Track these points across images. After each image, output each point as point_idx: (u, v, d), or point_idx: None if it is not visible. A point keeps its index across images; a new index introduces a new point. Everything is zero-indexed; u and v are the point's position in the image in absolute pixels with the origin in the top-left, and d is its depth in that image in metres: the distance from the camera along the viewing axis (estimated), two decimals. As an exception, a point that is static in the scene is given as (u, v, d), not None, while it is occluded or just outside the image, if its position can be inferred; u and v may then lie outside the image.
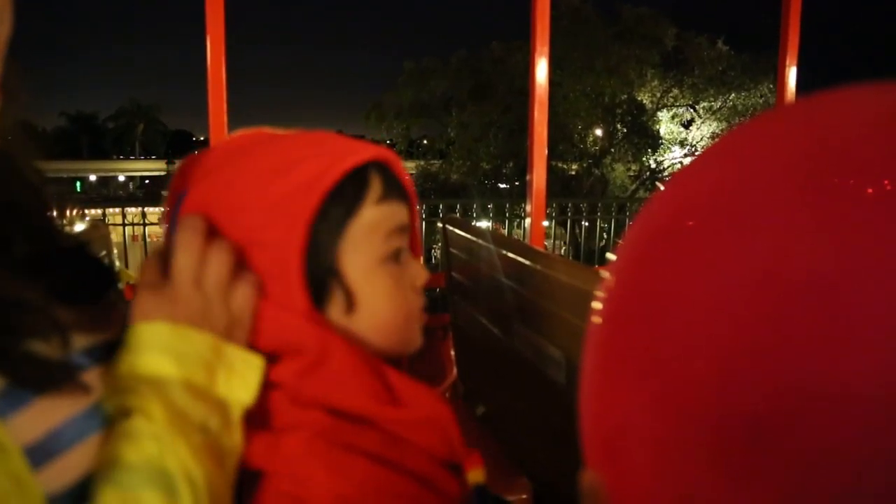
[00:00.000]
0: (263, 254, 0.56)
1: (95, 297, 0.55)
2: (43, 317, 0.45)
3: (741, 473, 0.35)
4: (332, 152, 0.58)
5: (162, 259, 0.55)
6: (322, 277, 0.57)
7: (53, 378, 0.45)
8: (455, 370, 1.52)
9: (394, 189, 0.60)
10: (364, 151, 0.58)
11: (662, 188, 0.43)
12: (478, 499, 0.59)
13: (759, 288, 0.34)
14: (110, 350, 0.52)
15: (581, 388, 0.43)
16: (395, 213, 0.60)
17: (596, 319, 0.42)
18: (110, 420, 0.47)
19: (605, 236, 7.28)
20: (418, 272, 0.63)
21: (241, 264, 0.55)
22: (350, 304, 0.58)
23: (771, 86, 13.92)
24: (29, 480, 0.42)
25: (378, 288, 0.59)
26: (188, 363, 0.50)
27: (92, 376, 0.49)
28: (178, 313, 0.51)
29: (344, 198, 0.57)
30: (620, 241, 0.43)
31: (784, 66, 2.67)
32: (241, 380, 0.52)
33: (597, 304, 0.42)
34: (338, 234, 0.57)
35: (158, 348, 0.50)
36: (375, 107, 16.97)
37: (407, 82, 16.08)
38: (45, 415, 0.44)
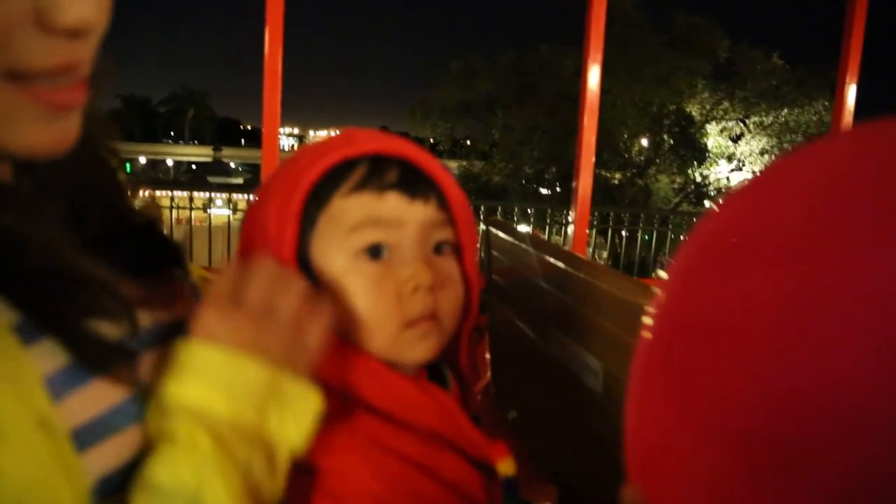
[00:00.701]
0: (270, 250, 0.56)
1: (162, 273, 0.57)
2: (111, 296, 0.46)
3: (780, 493, 0.35)
4: (330, 146, 0.57)
5: (238, 274, 0.53)
6: (310, 270, 0.57)
7: (115, 360, 0.46)
8: (489, 373, 1.52)
9: (381, 182, 0.56)
10: (363, 144, 0.57)
11: (717, 206, 0.42)
12: (507, 491, 0.59)
13: (809, 310, 0.34)
14: (176, 329, 0.53)
15: (627, 402, 0.43)
16: (366, 204, 0.56)
17: (646, 334, 0.42)
18: (152, 440, 0.47)
19: (645, 248, 7.19)
20: (411, 274, 0.57)
21: (318, 299, 0.54)
22: (323, 296, 0.56)
23: (826, 103, 13.56)
24: (76, 466, 0.42)
25: (346, 284, 0.56)
26: (239, 399, 0.47)
27: (153, 356, 0.50)
28: (241, 338, 0.49)
29: (320, 190, 0.56)
30: (673, 258, 0.43)
31: (843, 84, 2.60)
32: (295, 418, 0.49)
33: (647, 319, 0.42)
34: (310, 225, 0.56)
35: (210, 379, 0.47)
36: (421, 104, 17.03)
37: (453, 81, 16.10)
38: (101, 395, 0.45)
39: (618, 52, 13.22)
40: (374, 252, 0.56)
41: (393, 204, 0.57)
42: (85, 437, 0.43)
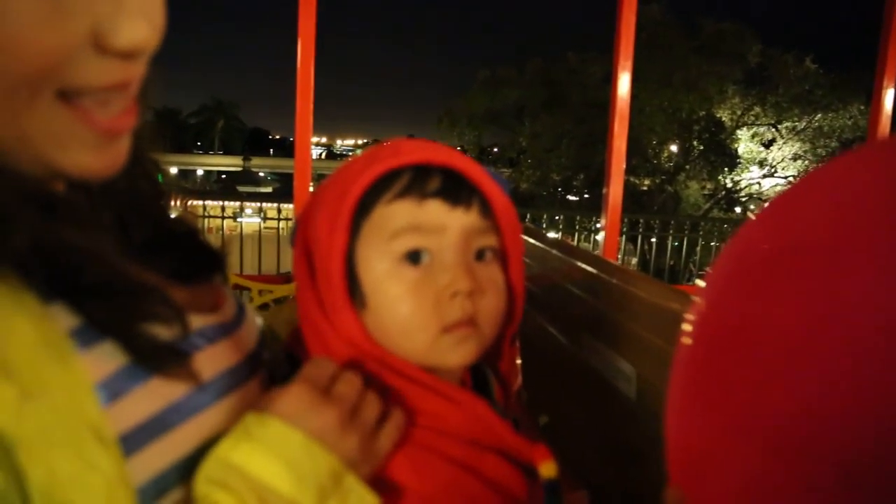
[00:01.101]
0: (320, 256, 0.58)
1: (205, 278, 0.59)
2: (162, 301, 0.48)
3: (820, 494, 0.34)
4: (377, 156, 0.59)
5: (331, 368, 0.55)
6: (354, 277, 0.58)
7: (170, 359, 0.47)
8: (520, 379, 1.52)
9: (423, 190, 0.57)
10: (409, 155, 0.58)
11: (755, 216, 0.42)
12: (548, 494, 0.59)
13: (854, 325, 0.34)
14: (223, 331, 0.55)
15: (668, 405, 0.43)
16: (407, 211, 0.57)
17: (686, 340, 0.42)
18: (197, 498, 0.47)
19: (675, 255, 7.12)
20: (451, 280, 0.57)
21: (391, 406, 0.56)
22: (363, 301, 0.58)
23: (862, 107, 13.31)
24: (123, 470, 0.43)
25: (386, 289, 0.58)
26: (304, 484, 0.48)
27: (206, 356, 0.52)
28: (323, 429, 0.51)
29: (366, 199, 0.57)
30: (713, 264, 0.43)
31: (881, 88, 2.55)
32: None
33: (687, 326, 0.43)
34: (355, 233, 0.58)
35: (282, 456, 0.48)
36: (448, 113, 17.09)
37: (480, 90, 16.13)
38: (158, 393, 0.47)
39: (646, 58, 13.13)
40: (414, 258, 0.57)
41: (434, 211, 0.58)
42: (143, 434, 0.45)
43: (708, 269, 0.44)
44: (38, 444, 0.39)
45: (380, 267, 0.57)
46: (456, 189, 0.58)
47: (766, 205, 0.43)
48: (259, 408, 0.51)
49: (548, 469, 0.59)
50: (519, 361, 1.69)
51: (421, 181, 0.58)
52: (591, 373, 1.04)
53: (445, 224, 0.58)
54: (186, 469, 0.48)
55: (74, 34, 0.39)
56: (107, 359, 0.44)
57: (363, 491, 0.51)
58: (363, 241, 0.58)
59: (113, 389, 0.44)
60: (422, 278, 0.57)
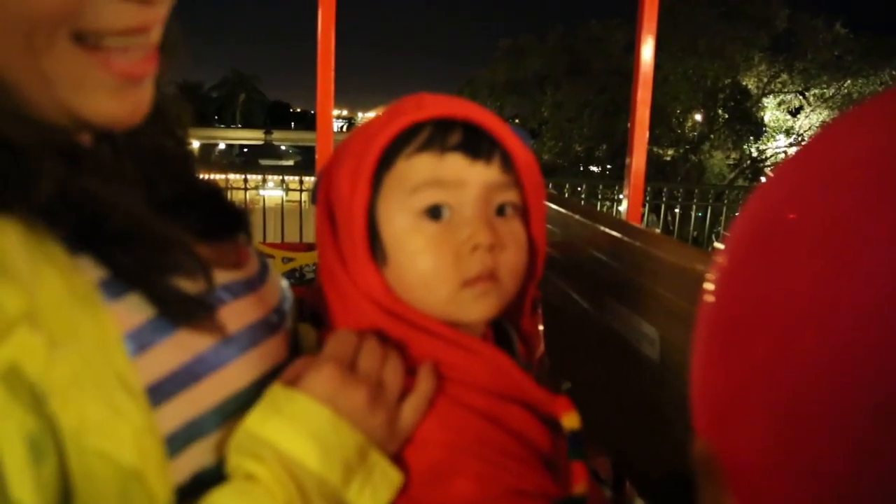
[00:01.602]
0: (342, 212, 0.59)
1: (228, 237, 0.60)
2: (187, 254, 0.49)
3: (867, 448, 0.34)
4: (400, 110, 0.59)
5: (353, 341, 0.56)
6: (375, 231, 0.59)
7: (196, 311, 0.49)
8: (542, 345, 1.53)
9: (443, 143, 0.57)
10: (431, 109, 0.58)
11: (770, 177, 0.42)
12: (572, 445, 0.60)
13: (877, 276, 0.33)
14: (247, 287, 0.56)
15: (693, 359, 0.43)
16: (427, 165, 0.57)
17: (709, 297, 0.43)
18: (229, 475, 0.49)
19: (699, 224, 7.05)
20: (471, 234, 0.57)
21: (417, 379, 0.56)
22: (384, 258, 0.59)
23: (893, 72, 12.96)
24: (151, 424, 0.44)
25: (407, 243, 0.58)
26: (332, 459, 0.49)
27: (231, 310, 0.53)
28: (347, 405, 0.52)
29: (388, 153, 0.58)
30: (734, 222, 0.43)
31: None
32: (373, 492, 0.51)
33: (709, 284, 0.43)
34: (377, 187, 0.58)
35: (311, 433, 0.49)
36: (469, 83, 16.93)
37: (501, 59, 15.94)
38: (185, 345, 0.48)
39: (670, 26, 12.86)
40: (435, 213, 0.58)
41: (454, 165, 0.58)
42: (169, 385, 0.47)
43: (729, 228, 0.44)
44: (69, 391, 0.40)
45: (400, 221, 0.58)
46: (477, 143, 0.58)
47: (781, 164, 0.42)
48: (287, 381, 0.52)
49: (570, 420, 0.60)
50: (541, 328, 1.70)
51: (442, 135, 0.58)
52: (614, 337, 1.05)
53: (465, 178, 0.58)
54: (212, 420, 0.49)
55: None
56: (134, 310, 0.46)
57: (387, 467, 0.52)
58: (384, 195, 0.58)
59: (140, 341, 0.45)
60: (442, 232, 0.58)
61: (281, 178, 5.78)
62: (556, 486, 0.58)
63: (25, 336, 0.38)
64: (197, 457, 0.48)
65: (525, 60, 15.62)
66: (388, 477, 0.52)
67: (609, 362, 1.14)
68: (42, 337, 0.39)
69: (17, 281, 0.39)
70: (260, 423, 0.49)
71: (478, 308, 0.59)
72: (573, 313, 1.29)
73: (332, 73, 2.35)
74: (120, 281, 0.45)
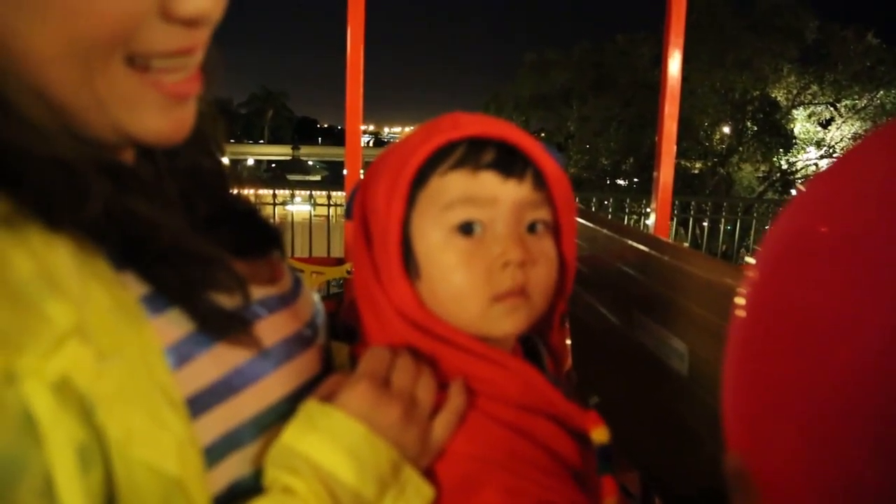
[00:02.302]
0: (377, 226, 0.60)
1: (264, 254, 0.62)
2: (225, 270, 0.51)
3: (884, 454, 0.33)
4: (436, 129, 0.60)
5: (387, 357, 0.58)
6: (406, 246, 0.60)
7: (234, 326, 0.50)
8: (570, 359, 1.53)
9: (477, 161, 0.59)
10: (467, 127, 0.59)
11: (801, 190, 0.42)
12: (601, 459, 0.60)
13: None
14: (282, 302, 0.58)
15: (724, 375, 0.43)
16: (461, 182, 0.59)
17: (740, 313, 0.43)
18: (267, 488, 0.50)
19: (728, 238, 6.95)
20: (503, 250, 0.58)
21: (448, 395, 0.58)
22: (417, 272, 0.60)
23: (926, 83, 12.72)
24: (190, 431, 0.46)
25: (437, 257, 0.59)
26: (367, 474, 0.50)
27: (266, 325, 0.54)
28: (381, 421, 0.53)
29: (423, 170, 0.59)
30: (766, 234, 0.43)
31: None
32: None
33: (740, 299, 0.43)
34: (412, 203, 0.60)
35: (347, 448, 0.50)
36: (495, 98, 16.98)
37: (527, 74, 15.97)
38: (223, 358, 0.50)
39: (697, 38, 12.78)
40: (467, 229, 0.59)
41: (487, 182, 0.59)
42: (208, 397, 0.48)
43: (760, 242, 0.44)
44: (115, 403, 0.41)
45: (434, 237, 0.59)
46: (510, 161, 0.59)
47: (813, 178, 0.42)
48: (322, 397, 0.54)
49: (599, 434, 0.60)
50: (569, 342, 1.70)
51: (476, 153, 0.59)
52: (642, 352, 1.04)
53: (498, 196, 0.59)
54: (250, 432, 0.50)
55: (143, 1, 0.42)
56: (175, 325, 0.47)
57: (420, 482, 0.53)
58: (419, 211, 0.60)
59: (181, 354, 0.47)
60: (474, 249, 0.59)
61: (309, 193, 5.84)
62: (586, 500, 0.58)
63: (76, 349, 0.39)
64: (234, 467, 0.49)
65: (551, 75, 15.64)
66: (420, 492, 0.53)
67: (637, 377, 1.14)
68: (91, 350, 0.40)
69: (68, 296, 0.40)
70: (297, 437, 0.50)
71: (508, 323, 0.60)
72: (601, 328, 1.28)
73: (361, 89, 2.38)
74: (161, 296, 0.47)
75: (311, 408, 0.53)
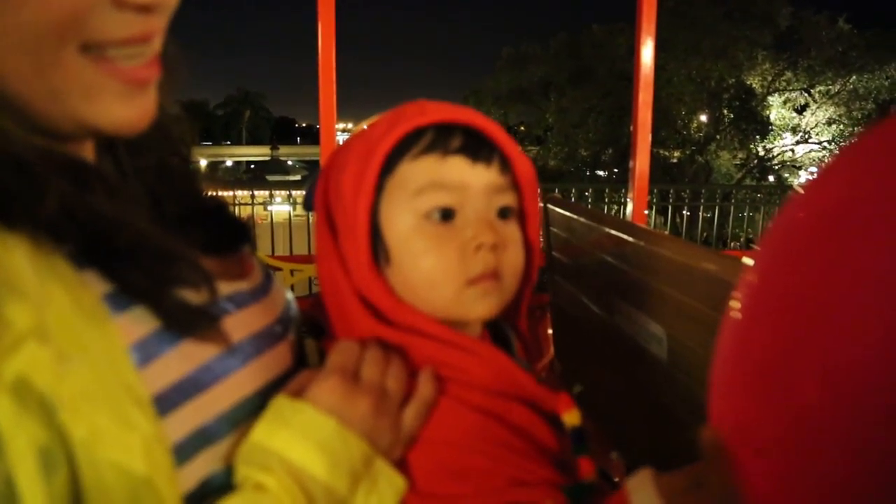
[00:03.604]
0: (344, 216, 0.59)
1: (233, 250, 0.61)
2: (192, 267, 0.50)
3: (878, 450, 0.34)
4: (403, 115, 0.60)
5: (356, 350, 0.57)
6: (374, 234, 0.60)
7: (200, 322, 0.49)
8: (552, 349, 1.53)
9: (445, 147, 0.59)
10: (433, 114, 0.59)
11: (805, 186, 0.42)
12: (575, 441, 0.60)
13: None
14: (251, 297, 0.57)
15: (717, 348, 0.43)
16: (430, 167, 0.59)
17: (734, 314, 0.42)
18: (238, 485, 0.49)
19: (707, 226, 7.00)
20: (475, 234, 0.58)
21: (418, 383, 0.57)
22: (387, 258, 0.60)
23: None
24: (158, 429, 0.45)
25: (408, 243, 0.59)
26: (339, 468, 0.50)
27: (235, 320, 0.54)
28: (351, 414, 0.53)
29: (389, 158, 0.59)
30: (763, 235, 0.43)
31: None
32: (379, 499, 0.51)
33: (735, 301, 0.43)
34: (380, 189, 0.59)
35: (318, 443, 0.50)
36: (473, 92, 16.99)
37: (505, 68, 16.00)
38: (190, 355, 0.49)
39: (673, 27, 12.87)
40: (441, 214, 0.59)
41: (456, 167, 0.59)
42: (176, 395, 0.47)
43: (758, 241, 0.44)
44: (79, 403, 0.40)
45: (404, 223, 0.59)
46: (477, 147, 0.60)
47: (817, 173, 0.42)
48: (292, 392, 0.53)
49: (571, 417, 0.60)
50: (550, 332, 1.70)
51: (444, 139, 0.59)
52: (622, 338, 1.05)
53: (467, 180, 0.59)
54: (220, 429, 0.50)
55: None
56: (139, 322, 0.46)
57: (392, 474, 0.53)
58: (388, 198, 0.59)
59: (146, 352, 0.46)
60: (446, 233, 0.59)
61: (288, 192, 5.81)
62: (561, 479, 0.58)
63: (34, 350, 0.39)
64: (205, 464, 0.49)
65: (529, 68, 15.68)
66: (392, 483, 0.53)
67: (618, 363, 1.14)
68: (51, 351, 0.40)
69: (25, 297, 0.39)
70: (267, 434, 0.50)
71: (481, 306, 0.60)
72: (582, 316, 1.29)
73: (334, 87, 2.36)
74: (124, 294, 0.46)
75: (280, 404, 0.52)
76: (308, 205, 0.65)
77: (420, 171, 0.59)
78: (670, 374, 0.89)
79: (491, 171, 0.60)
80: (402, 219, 0.59)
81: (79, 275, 0.44)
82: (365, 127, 0.63)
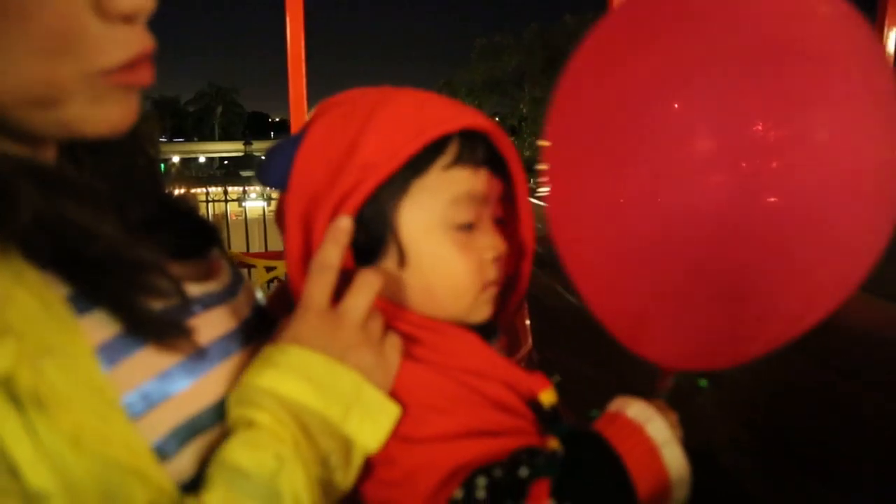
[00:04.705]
0: (329, 201, 0.57)
1: (202, 253, 0.59)
2: (157, 273, 0.48)
3: (683, 297, 0.54)
4: (424, 114, 0.59)
5: (329, 285, 0.55)
6: (381, 231, 0.59)
7: (165, 329, 0.48)
8: (530, 340, 1.53)
9: (475, 158, 0.60)
10: (454, 121, 0.59)
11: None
12: (551, 422, 0.60)
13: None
14: (219, 299, 0.55)
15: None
16: (466, 180, 0.59)
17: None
18: (231, 428, 0.49)
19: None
20: (490, 244, 0.61)
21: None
22: (402, 259, 0.60)
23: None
24: (130, 429, 0.44)
25: (435, 249, 0.59)
26: (330, 398, 0.51)
27: (202, 322, 0.52)
28: (336, 347, 0.53)
29: (417, 160, 0.58)
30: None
31: (882, 27, 2.50)
32: (373, 424, 0.52)
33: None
34: (402, 190, 0.58)
35: (306, 377, 0.50)
36: (447, 84, 16.98)
37: (479, 59, 16.01)
38: (154, 361, 0.47)
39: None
40: (468, 226, 0.60)
41: (484, 180, 0.61)
42: (144, 399, 0.46)
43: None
44: (58, 399, 0.40)
45: (433, 228, 0.59)
46: (496, 158, 0.62)
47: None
48: (275, 339, 0.53)
49: (548, 396, 0.61)
50: (528, 322, 1.70)
51: (470, 148, 0.60)
52: (600, 329, 1.05)
53: (489, 192, 0.61)
54: (190, 432, 0.48)
55: (76, 2, 0.40)
56: (104, 324, 0.45)
57: (384, 400, 0.53)
58: (412, 201, 0.58)
59: (111, 355, 0.45)
60: (468, 241, 0.60)
61: (262, 188, 5.76)
62: (535, 437, 0.58)
63: (13, 346, 0.39)
64: (185, 464, 0.48)
65: (502, 59, 15.72)
66: (385, 409, 0.53)
67: (597, 354, 1.14)
68: (23, 350, 0.39)
69: None
70: (257, 375, 0.50)
71: (486, 310, 0.63)
72: (559, 307, 1.28)
73: (304, 80, 2.33)
74: (87, 297, 0.45)
75: (266, 350, 0.52)
76: (274, 179, 0.61)
77: (457, 181, 0.59)
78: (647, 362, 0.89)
79: (500, 181, 0.62)
80: (431, 224, 0.59)
81: (43, 275, 0.43)
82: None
